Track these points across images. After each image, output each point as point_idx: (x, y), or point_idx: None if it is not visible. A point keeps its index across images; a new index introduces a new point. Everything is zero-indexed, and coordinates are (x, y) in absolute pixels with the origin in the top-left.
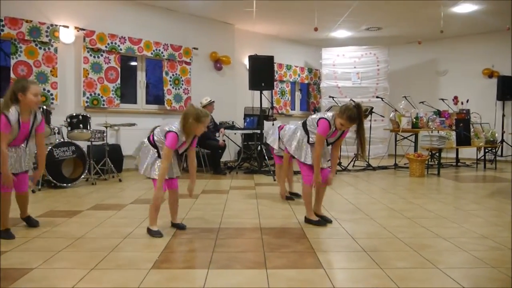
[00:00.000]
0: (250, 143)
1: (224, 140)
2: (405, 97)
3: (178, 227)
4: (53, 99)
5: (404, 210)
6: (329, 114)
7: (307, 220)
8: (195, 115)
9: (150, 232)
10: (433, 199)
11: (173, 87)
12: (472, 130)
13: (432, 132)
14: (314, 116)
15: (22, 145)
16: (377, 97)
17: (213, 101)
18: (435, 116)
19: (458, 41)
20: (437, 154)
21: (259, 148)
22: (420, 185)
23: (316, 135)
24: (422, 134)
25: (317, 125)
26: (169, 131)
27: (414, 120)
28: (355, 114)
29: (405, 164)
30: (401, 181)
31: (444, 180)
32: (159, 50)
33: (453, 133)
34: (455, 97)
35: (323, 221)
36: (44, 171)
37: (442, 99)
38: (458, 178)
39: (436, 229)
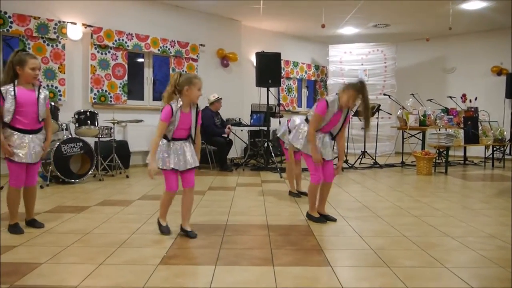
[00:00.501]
0: (256, 140)
1: (229, 127)
2: (412, 94)
3: (187, 234)
4: (61, 95)
5: (411, 208)
6: (329, 96)
7: (308, 216)
8: (186, 78)
9: (159, 226)
10: (440, 198)
11: None
12: (480, 128)
13: (439, 130)
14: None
15: (38, 132)
16: (384, 94)
17: (221, 98)
18: (443, 114)
19: (466, 38)
20: (445, 152)
21: (265, 145)
22: (427, 183)
23: (312, 114)
24: (429, 132)
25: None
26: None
27: (422, 117)
28: (358, 85)
29: (412, 162)
30: (408, 179)
31: (452, 179)
32: (166, 46)
33: (461, 131)
34: (463, 95)
35: (324, 218)
36: (52, 166)
37: (450, 97)
38: (466, 177)
39: (444, 228)
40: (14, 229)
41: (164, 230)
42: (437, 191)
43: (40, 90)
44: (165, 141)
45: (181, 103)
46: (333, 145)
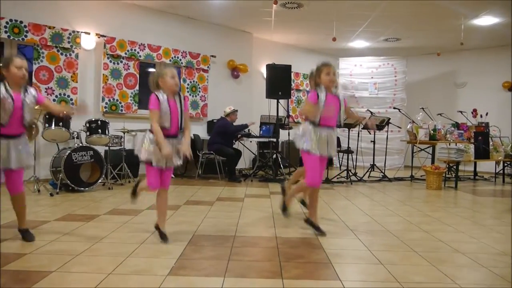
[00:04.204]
0: (265, 151)
1: (253, 123)
2: (422, 108)
3: (162, 236)
4: (72, 104)
5: (421, 223)
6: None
7: (283, 206)
8: (157, 74)
9: (159, 232)
10: (450, 213)
11: (190, 94)
12: (491, 143)
13: (450, 145)
14: None
15: (20, 137)
16: (394, 108)
17: (236, 110)
18: (453, 129)
19: (478, 54)
20: (455, 167)
21: (274, 156)
22: (437, 198)
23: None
24: (439, 146)
25: None
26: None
27: (432, 132)
28: (320, 63)
29: (421, 176)
30: (417, 194)
31: (462, 194)
32: (178, 57)
33: (472, 146)
34: (474, 110)
35: (288, 213)
36: (62, 174)
37: (461, 112)
38: (476, 192)
39: (455, 243)
40: (26, 235)
41: (162, 238)
42: (447, 206)
43: (27, 92)
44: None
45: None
46: (334, 143)
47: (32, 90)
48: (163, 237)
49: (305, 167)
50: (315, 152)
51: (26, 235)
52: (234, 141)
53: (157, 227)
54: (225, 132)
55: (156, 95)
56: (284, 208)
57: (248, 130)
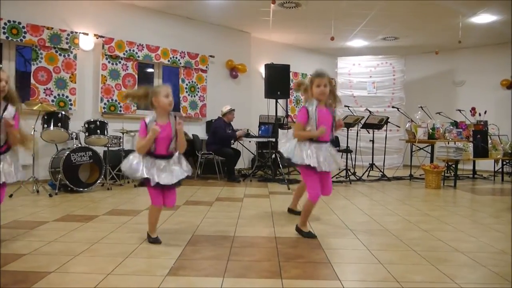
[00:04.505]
0: (264, 151)
1: (243, 131)
2: (421, 107)
3: (153, 241)
4: (71, 104)
5: (420, 222)
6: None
7: (298, 230)
8: (151, 91)
9: (149, 238)
10: (449, 212)
11: (189, 95)
12: (489, 142)
13: (448, 144)
14: None
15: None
16: (393, 107)
17: (233, 110)
18: (452, 127)
19: (476, 52)
20: (454, 165)
21: (273, 156)
22: (436, 197)
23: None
24: (438, 145)
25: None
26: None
27: (431, 130)
28: (319, 70)
29: (420, 175)
30: (416, 193)
31: (461, 192)
32: (176, 57)
33: (470, 145)
34: (473, 108)
35: (313, 234)
36: (61, 175)
37: (459, 110)
38: (475, 191)
39: (454, 242)
40: None
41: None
42: (446, 205)
43: (6, 108)
44: (148, 157)
45: (154, 115)
46: (336, 156)
47: (11, 109)
48: (155, 241)
49: (306, 183)
50: (314, 165)
51: None
52: (232, 142)
53: (147, 235)
54: (216, 131)
55: (145, 122)
56: (301, 232)
57: (247, 130)
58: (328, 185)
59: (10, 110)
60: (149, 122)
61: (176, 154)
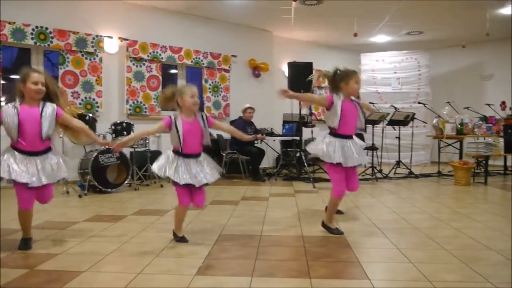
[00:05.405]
0: (289, 149)
1: (260, 136)
2: (448, 102)
3: (180, 240)
4: (98, 107)
5: (450, 220)
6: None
7: (324, 225)
8: (177, 90)
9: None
10: (481, 209)
11: (212, 95)
12: None
13: (478, 139)
14: None
15: (42, 155)
16: (419, 102)
17: (250, 107)
18: (481, 122)
19: (504, 44)
20: (484, 161)
21: (298, 154)
22: (466, 194)
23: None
24: (467, 140)
25: None
26: None
27: (459, 126)
28: (347, 70)
29: (449, 172)
30: (445, 190)
31: (492, 189)
32: (199, 58)
33: (501, 140)
34: (503, 102)
35: (340, 230)
36: (90, 176)
37: (488, 104)
38: (507, 187)
39: (486, 241)
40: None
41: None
42: (476, 202)
43: (45, 106)
44: (177, 156)
45: (177, 113)
46: (361, 150)
47: (51, 105)
48: (181, 239)
49: (331, 179)
50: (338, 161)
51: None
52: (256, 141)
53: (174, 234)
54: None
55: (170, 116)
56: (328, 228)
57: (271, 129)
58: (355, 180)
59: (50, 107)
60: (175, 116)
61: (203, 154)
